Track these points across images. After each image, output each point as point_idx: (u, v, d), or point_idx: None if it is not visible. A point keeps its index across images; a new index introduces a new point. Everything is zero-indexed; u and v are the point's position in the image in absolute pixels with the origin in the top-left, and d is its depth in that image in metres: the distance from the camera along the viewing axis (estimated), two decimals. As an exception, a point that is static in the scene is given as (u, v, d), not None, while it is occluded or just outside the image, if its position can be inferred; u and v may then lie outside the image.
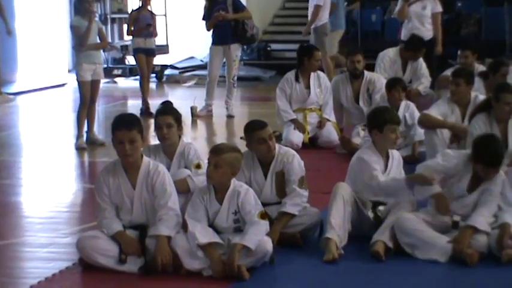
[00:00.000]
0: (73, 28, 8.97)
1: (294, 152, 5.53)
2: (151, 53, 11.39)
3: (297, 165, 5.41)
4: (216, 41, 11.01)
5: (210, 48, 11.16)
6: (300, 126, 8.69)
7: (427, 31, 10.47)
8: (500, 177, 5.13)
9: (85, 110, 8.96)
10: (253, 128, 5.39)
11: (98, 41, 9.00)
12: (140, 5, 11.49)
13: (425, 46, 9.71)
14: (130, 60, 15.24)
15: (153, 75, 15.25)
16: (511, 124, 6.39)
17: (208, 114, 11.17)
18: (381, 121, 5.38)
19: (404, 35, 10.57)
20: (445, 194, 5.15)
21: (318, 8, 12.52)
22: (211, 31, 11.02)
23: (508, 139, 6.38)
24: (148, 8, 11.44)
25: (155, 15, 11.71)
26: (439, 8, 10.78)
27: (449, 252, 4.98)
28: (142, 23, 11.22)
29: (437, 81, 9.41)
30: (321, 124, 8.76)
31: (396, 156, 5.52)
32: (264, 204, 5.14)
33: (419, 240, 5.04)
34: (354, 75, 8.86)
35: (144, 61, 11.23)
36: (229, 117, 11.06)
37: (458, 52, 9.11)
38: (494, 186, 5.09)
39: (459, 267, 4.90)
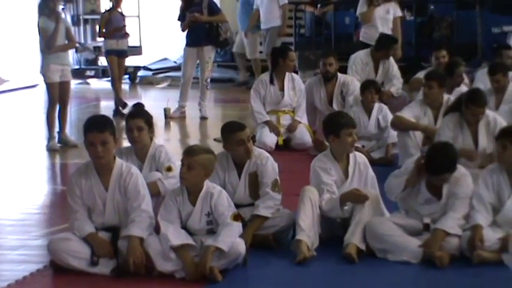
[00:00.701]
0: (40, 30, 8.79)
1: (267, 154, 5.51)
2: (123, 54, 11.37)
3: (271, 167, 5.40)
4: (190, 42, 11.01)
5: (184, 49, 11.15)
6: (274, 129, 8.70)
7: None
8: (464, 179, 5.13)
9: (54, 111, 8.89)
10: (232, 130, 5.35)
11: (66, 41, 8.88)
12: (111, 6, 11.44)
13: (396, 42, 9.75)
14: (103, 61, 15.14)
15: (126, 76, 15.18)
16: (481, 125, 6.43)
17: (181, 116, 11.16)
18: (336, 126, 5.31)
19: (364, 36, 10.57)
20: (411, 200, 5.18)
21: (286, 7, 12.59)
22: (186, 32, 11.02)
23: (478, 140, 6.43)
24: (119, 9, 11.39)
25: (125, 16, 11.66)
26: (400, 13, 10.83)
27: (421, 256, 5.00)
28: (115, 25, 11.19)
29: (410, 84, 9.47)
30: (292, 127, 8.77)
31: (361, 160, 5.45)
32: (237, 206, 5.14)
33: (391, 245, 5.05)
34: (326, 77, 8.90)
35: (116, 63, 11.20)
36: (203, 118, 11.05)
37: (433, 54, 9.17)
38: (458, 189, 5.09)
39: (432, 268, 4.92)
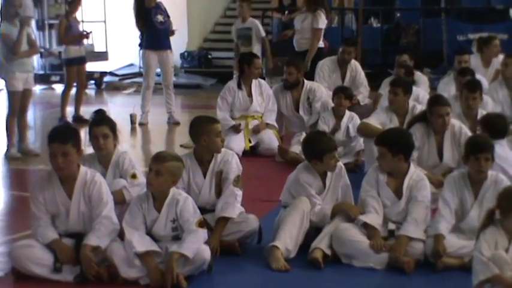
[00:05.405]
0: (3, 36, 8.50)
1: (232, 151, 5.57)
2: (84, 60, 11.23)
3: (235, 164, 5.43)
4: (153, 46, 10.97)
5: (144, 53, 11.08)
6: (236, 128, 8.63)
7: (306, 44, 10.42)
8: (422, 183, 5.19)
9: (14, 119, 8.63)
10: (211, 121, 5.42)
11: (27, 47, 8.60)
12: (67, 12, 11.25)
13: (355, 43, 9.78)
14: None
15: (93, 82, 15.10)
16: (446, 136, 6.49)
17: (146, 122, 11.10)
18: (319, 151, 5.28)
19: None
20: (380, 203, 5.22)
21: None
22: (145, 35, 11.01)
23: (443, 151, 6.48)
24: (74, 15, 11.19)
25: (79, 22, 11.54)
26: (318, 25, 10.31)
27: (386, 261, 5.02)
28: (75, 31, 11.01)
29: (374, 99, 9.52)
30: (257, 127, 8.74)
31: (337, 170, 5.41)
32: (202, 210, 5.12)
33: (356, 250, 5.07)
34: (285, 86, 8.92)
35: (75, 72, 10.98)
36: (175, 124, 11.03)
37: (396, 58, 9.33)
38: (418, 192, 5.15)
39: (397, 274, 4.94)
